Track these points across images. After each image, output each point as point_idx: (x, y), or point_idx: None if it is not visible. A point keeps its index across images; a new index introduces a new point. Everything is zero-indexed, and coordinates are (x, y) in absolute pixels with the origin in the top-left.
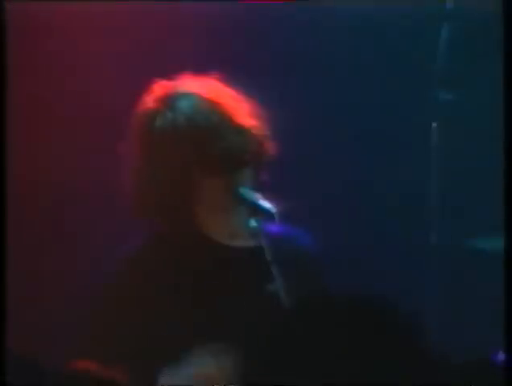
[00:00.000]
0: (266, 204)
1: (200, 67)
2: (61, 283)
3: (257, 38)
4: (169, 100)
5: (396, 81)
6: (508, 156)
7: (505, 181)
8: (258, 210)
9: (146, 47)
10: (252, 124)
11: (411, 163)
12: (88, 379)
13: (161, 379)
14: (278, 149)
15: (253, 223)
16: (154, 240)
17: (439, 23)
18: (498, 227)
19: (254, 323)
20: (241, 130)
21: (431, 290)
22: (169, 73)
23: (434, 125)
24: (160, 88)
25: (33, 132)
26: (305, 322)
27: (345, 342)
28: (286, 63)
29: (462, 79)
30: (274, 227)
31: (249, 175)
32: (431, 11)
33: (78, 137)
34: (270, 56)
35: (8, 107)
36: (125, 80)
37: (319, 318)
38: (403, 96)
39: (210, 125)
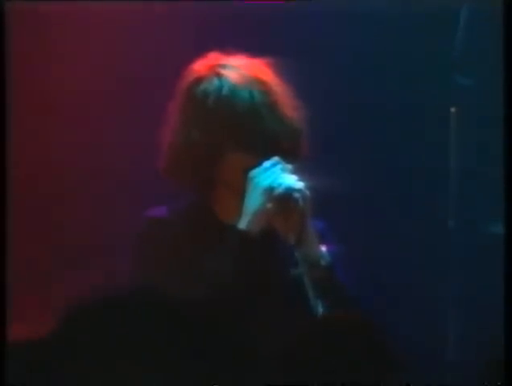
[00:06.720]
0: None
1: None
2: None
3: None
4: (219, 69)
5: (414, 67)
6: None
7: None
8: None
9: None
10: (294, 116)
11: (429, 148)
12: None
13: None
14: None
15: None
16: (174, 215)
17: (457, 8)
18: None
19: (277, 311)
20: (282, 118)
21: (453, 276)
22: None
23: (452, 110)
24: (213, 57)
25: (33, 131)
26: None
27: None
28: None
29: (480, 64)
30: None
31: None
32: None
33: (77, 137)
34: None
35: (9, 106)
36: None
37: None
38: (422, 81)
39: (253, 103)
